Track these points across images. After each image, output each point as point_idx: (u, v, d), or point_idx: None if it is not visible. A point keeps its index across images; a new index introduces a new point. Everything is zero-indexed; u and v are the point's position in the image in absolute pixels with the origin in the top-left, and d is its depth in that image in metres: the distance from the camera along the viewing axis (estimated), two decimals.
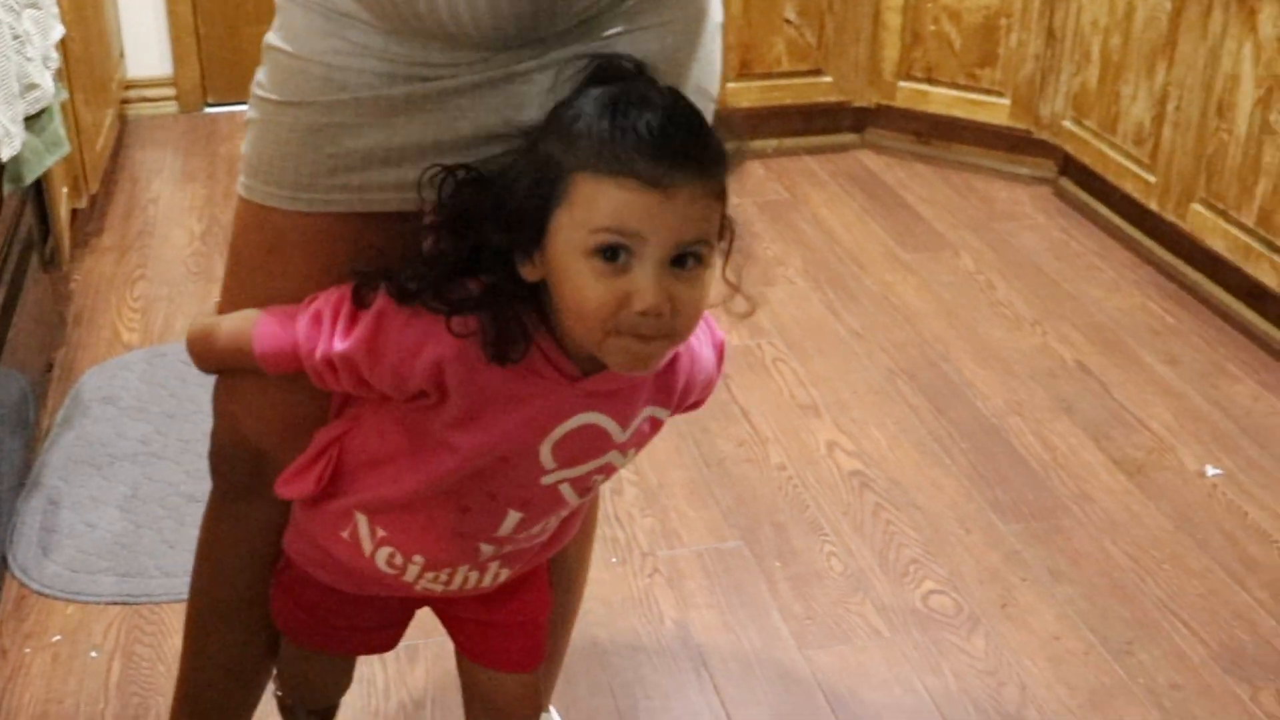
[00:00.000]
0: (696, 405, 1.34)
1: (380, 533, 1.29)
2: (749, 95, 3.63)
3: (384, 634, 1.47)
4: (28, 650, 1.93)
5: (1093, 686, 1.91)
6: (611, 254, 1.06)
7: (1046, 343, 2.81)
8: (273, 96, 1.21)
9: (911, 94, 3.65)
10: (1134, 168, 3.11)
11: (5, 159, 2.14)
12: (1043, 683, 1.91)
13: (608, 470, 1.28)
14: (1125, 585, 2.11)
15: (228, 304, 1.29)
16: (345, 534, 1.30)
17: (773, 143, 3.75)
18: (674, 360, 1.24)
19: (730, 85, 3.59)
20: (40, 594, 2.03)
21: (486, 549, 1.29)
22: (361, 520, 1.29)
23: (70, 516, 2.18)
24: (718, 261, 1.15)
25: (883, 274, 3.10)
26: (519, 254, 1.12)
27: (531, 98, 1.16)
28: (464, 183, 1.13)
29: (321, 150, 1.20)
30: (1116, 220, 3.29)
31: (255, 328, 1.23)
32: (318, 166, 1.20)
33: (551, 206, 1.09)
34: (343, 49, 1.17)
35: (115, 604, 2.02)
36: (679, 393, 1.27)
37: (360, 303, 1.17)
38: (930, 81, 3.61)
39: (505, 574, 1.35)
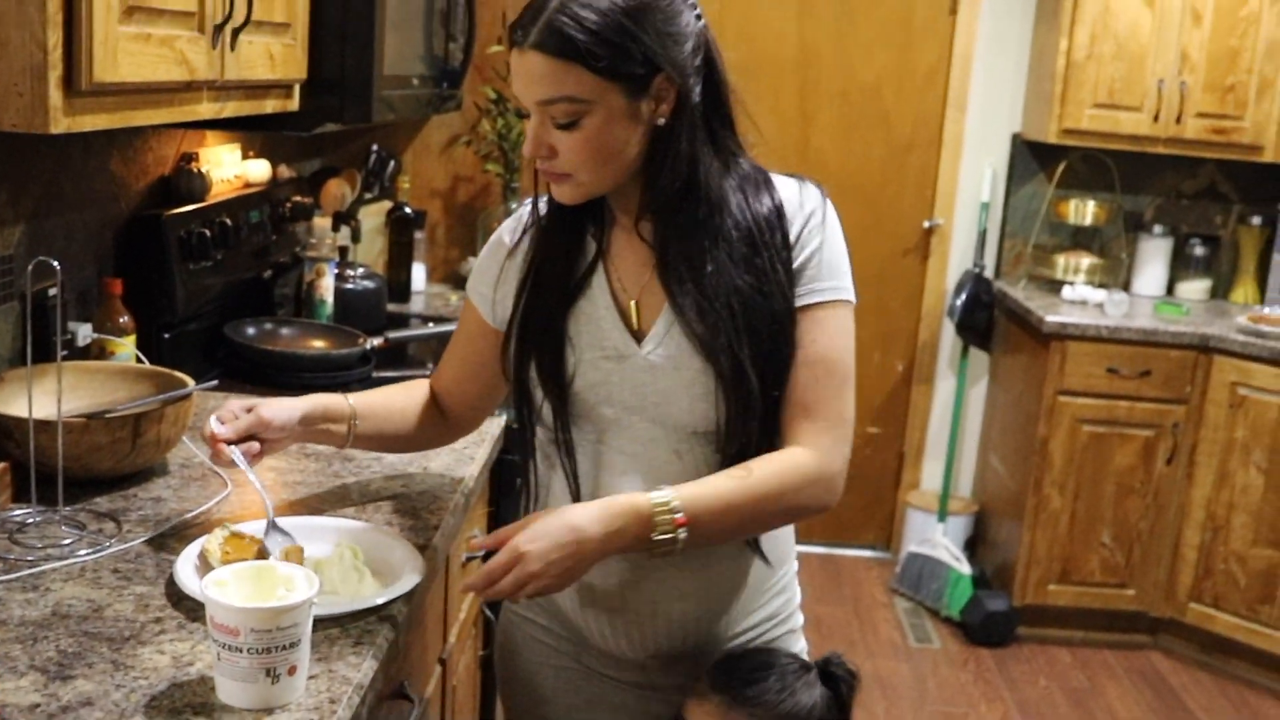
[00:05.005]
0: None
1: None
2: (1065, 596, 4.51)
3: None
4: None
5: None
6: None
7: None
8: None
9: (1200, 614, 4.44)
10: None
11: None
12: None
13: None
14: None
15: None
16: None
17: (1080, 634, 4.60)
18: None
19: (1051, 587, 4.49)
20: None
21: None
22: None
23: None
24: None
25: None
26: None
27: None
28: None
29: None
30: None
31: None
32: None
33: None
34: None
35: None
36: None
37: None
38: (1217, 607, 4.40)
39: None
